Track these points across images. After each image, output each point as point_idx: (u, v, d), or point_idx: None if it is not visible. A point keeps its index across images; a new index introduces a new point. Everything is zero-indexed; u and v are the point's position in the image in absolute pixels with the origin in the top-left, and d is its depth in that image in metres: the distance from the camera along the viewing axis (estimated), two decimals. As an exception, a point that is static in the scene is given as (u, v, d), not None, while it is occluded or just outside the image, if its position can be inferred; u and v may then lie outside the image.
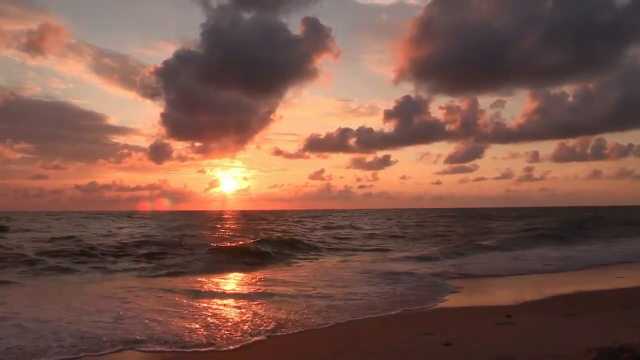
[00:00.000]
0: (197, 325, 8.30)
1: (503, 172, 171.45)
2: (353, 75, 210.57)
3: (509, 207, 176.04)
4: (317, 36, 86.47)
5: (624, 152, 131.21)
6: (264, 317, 8.95)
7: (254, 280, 14.06)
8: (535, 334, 7.29)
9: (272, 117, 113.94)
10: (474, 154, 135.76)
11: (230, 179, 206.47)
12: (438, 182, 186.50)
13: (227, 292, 12.22)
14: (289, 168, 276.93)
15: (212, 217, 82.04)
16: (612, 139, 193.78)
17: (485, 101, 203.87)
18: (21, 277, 14.60)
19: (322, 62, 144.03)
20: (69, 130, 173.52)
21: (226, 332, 7.91)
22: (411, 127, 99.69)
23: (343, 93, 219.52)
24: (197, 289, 12.22)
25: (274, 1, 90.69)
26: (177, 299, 10.78)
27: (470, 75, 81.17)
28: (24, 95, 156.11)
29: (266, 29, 73.97)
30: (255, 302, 10.35)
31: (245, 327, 8.22)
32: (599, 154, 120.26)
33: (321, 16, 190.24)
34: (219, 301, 10.67)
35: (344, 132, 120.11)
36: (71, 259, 18.30)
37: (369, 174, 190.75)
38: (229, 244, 24.02)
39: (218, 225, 48.83)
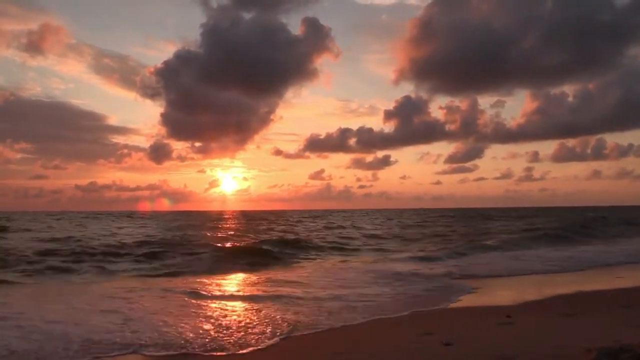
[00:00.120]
0: (208, 327, 8.17)
1: (503, 172, 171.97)
2: (353, 75, 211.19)
3: (509, 207, 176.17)
4: (317, 36, 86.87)
5: (624, 152, 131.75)
6: (277, 320, 8.76)
7: (259, 281, 13.97)
8: (535, 334, 7.30)
9: (272, 117, 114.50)
10: (474, 154, 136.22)
11: (230, 179, 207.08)
12: (438, 182, 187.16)
13: (233, 293, 12.02)
14: (289, 168, 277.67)
15: (212, 217, 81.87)
16: (612, 139, 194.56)
17: (485, 101, 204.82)
18: (22, 277, 14.62)
19: (322, 62, 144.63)
20: (69, 130, 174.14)
21: (239, 335, 7.71)
22: (411, 127, 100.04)
23: (343, 93, 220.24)
24: (200, 289, 12.10)
25: (274, 1, 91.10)
26: (183, 299, 10.69)
27: (470, 75, 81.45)
28: (24, 95, 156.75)
29: (266, 29, 74.25)
30: (265, 304, 10.20)
31: (259, 330, 8.05)
32: (599, 154, 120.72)
33: (321, 16, 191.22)
34: (227, 303, 10.45)
35: (344, 132, 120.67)
36: (72, 258, 18.30)
37: (369, 174, 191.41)
38: (230, 244, 24.04)
39: (218, 226, 48.81)
